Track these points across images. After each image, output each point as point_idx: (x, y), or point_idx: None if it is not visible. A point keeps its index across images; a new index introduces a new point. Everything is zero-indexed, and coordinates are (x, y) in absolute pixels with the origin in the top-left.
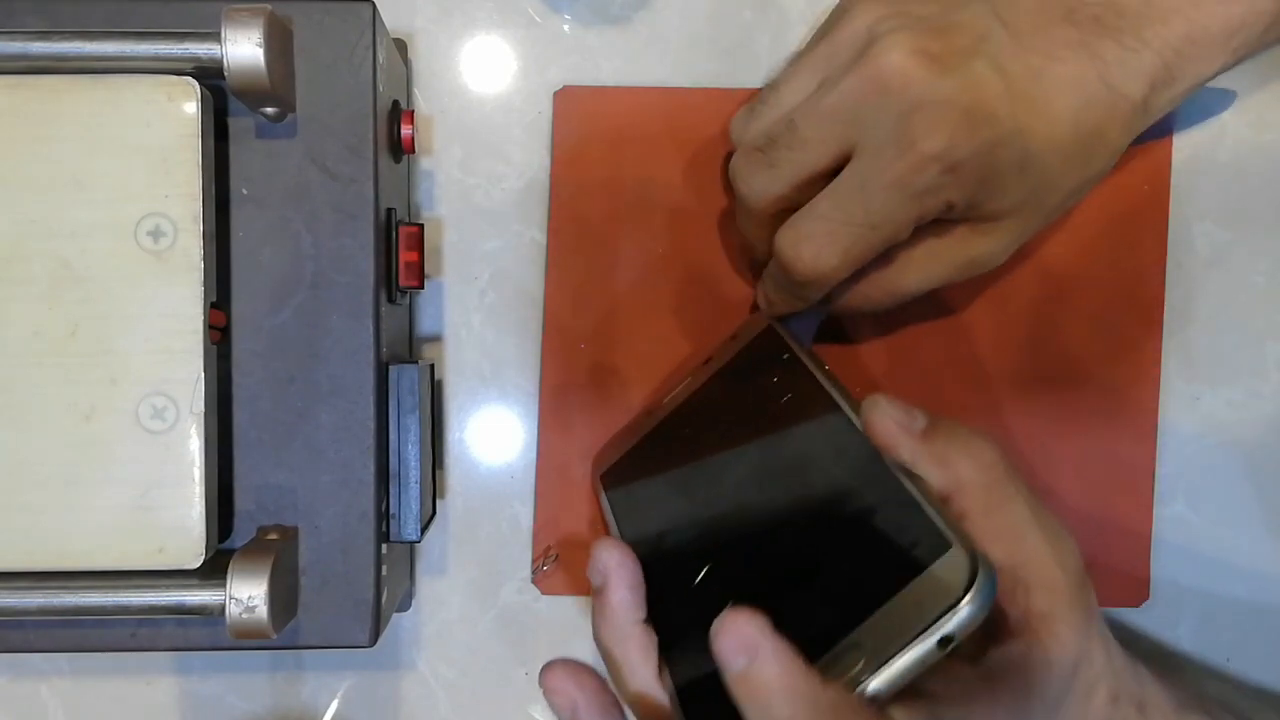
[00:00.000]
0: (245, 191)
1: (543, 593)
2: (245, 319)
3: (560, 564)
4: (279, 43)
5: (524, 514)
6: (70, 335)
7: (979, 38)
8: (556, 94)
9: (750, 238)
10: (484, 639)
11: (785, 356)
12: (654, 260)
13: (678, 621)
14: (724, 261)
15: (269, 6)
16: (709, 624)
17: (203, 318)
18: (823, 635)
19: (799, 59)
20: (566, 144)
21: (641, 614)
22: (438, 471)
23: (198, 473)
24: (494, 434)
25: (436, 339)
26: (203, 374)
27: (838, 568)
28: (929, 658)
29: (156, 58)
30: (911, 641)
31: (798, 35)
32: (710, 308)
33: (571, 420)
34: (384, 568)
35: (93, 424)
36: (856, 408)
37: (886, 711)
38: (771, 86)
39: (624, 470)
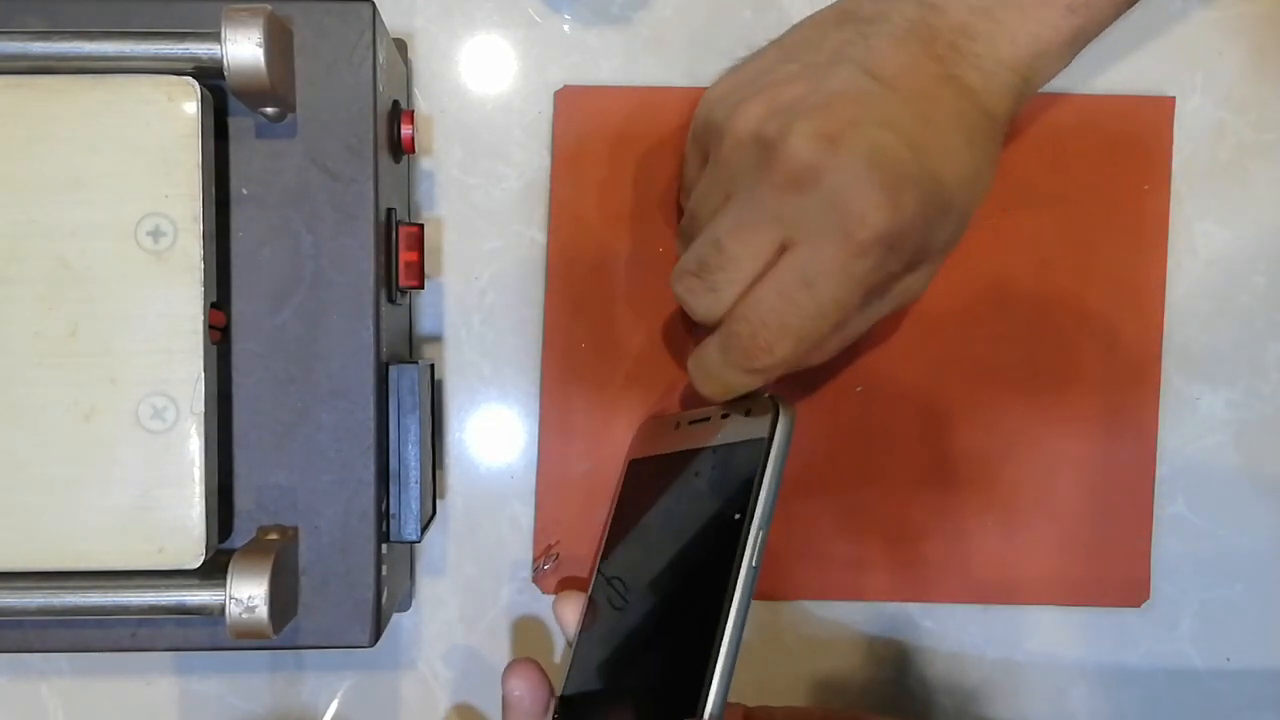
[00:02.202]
0: (245, 191)
1: (543, 593)
2: (245, 319)
3: (560, 564)
4: (279, 43)
5: (524, 514)
6: (70, 335)
7: (861, 103)
8: (557, 94)
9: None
10: (484, 639)
11: (737, 517)
12: (654, 260)
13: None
14: None
15: (269, 6)
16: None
17: (203, 318)
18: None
19: (701, 181)
20: (566, 144)
21: None
22: (438, 471)
23: (198, 473)
24: (494, 434)
25: (436, 339)
26: (203, 374)
27: (641, 688)
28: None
29: (156, 58)
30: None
31: None
32: None
33: (571, 420)
34: (384, 568)
35: (93, 424)
36: (752, 568)
37: None
38: (687, 214)
39: (643, 467)
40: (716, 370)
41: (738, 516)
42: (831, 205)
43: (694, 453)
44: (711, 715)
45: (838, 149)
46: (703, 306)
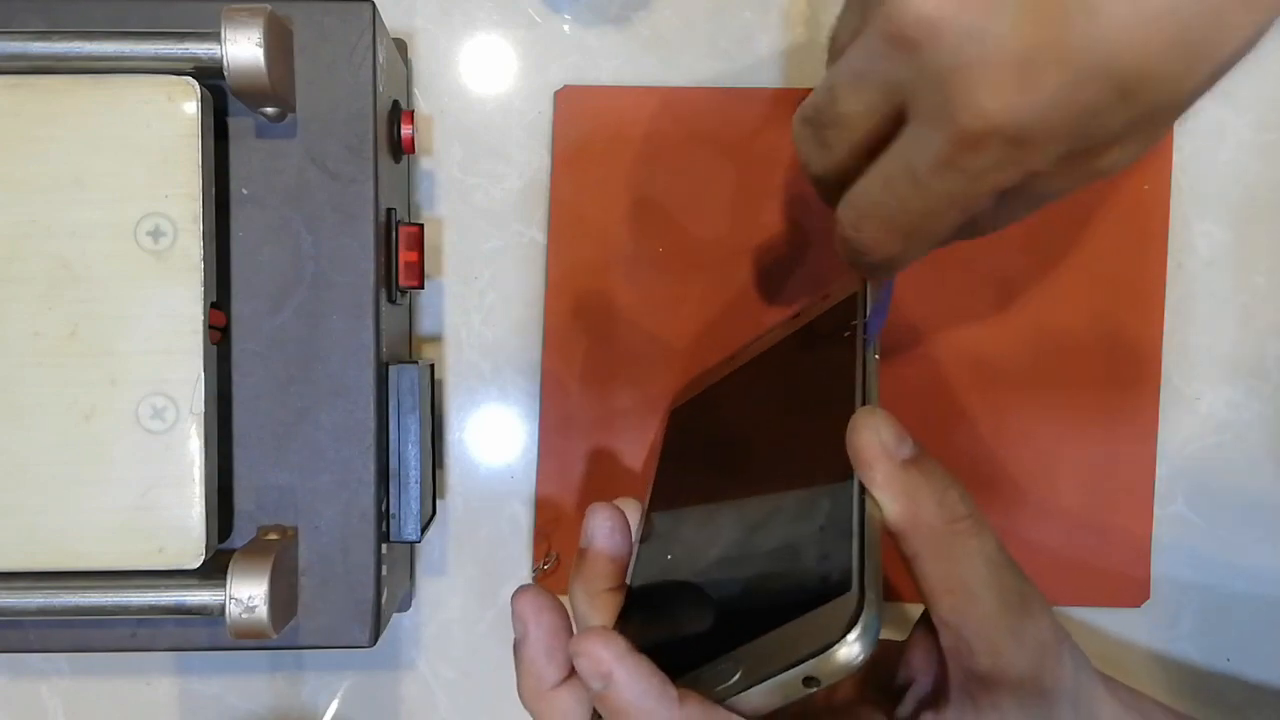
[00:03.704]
0: (245, 191)
1: None
2: (245, 319)
3: (560, 564)
4: (279, 43)
5: (524, 514)
6: (70, 335)
7: None
8: (557, 94)
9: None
10: (484, 639)
11: (846, 334)
12: (654, 260)
13: (652, 574)
14: (724, 261)
15: (269, 6)
16: (668, 594)
17: (203, 318)
18: (724, 642)
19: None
20: (566, 144)
21: (559, 674)
22: (438, 471)
23: (198, 473)
24: (494, 434)
25: (436, 339)
26: (203, 374)
27: (770, 578)
28: (790, 693)
29: (156, 58)
30: (776, 673)
31: (798, 35)
32: (710, 307)
33: (571, 420)
34: (384, 568)
35: (93, 424)
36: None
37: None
38: (830, 37)
39: (686, 413)
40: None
41: (846, 333)
42: (942, 77)
43: (769, 352)
44: (869, 587)
45: (968, 4)
46: (814, 161)
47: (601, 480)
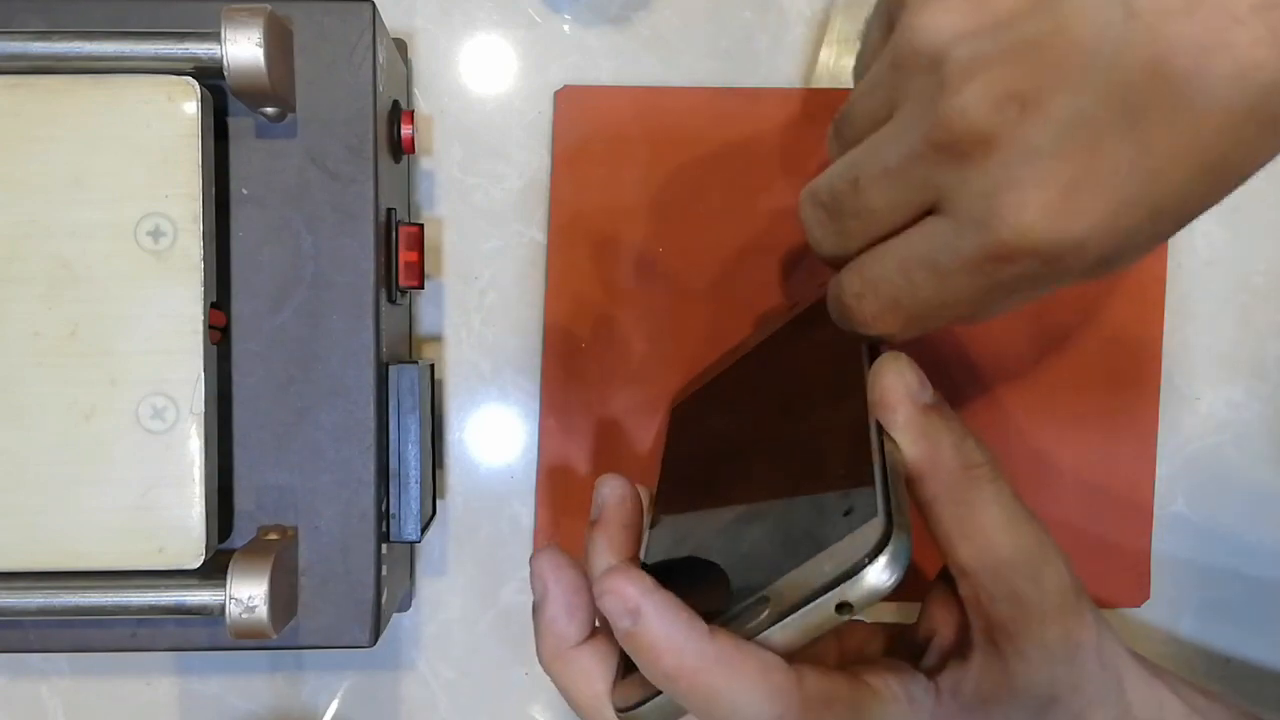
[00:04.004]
0: (245, 191)
1: None
2: (245, 319)
3: None
4: (279, 43)
5: (524, 514)
6: (70, 335)
7: (1089, 52)
8: (557, 94)
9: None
10: (484, 639)
11: None
12: (654, 260)
13: (669, 548)
14: (723, 261)
15: (269, 6)
16: (686, 564)
17: (203, 318)
18: (754, 579)
19: (874, 65)
20: (566, 144)
21: (581, 633)
22: (438, 471)
23: (198, 473)
24: (494, 434)
25: (436, 339)
26: (203, 374)
27: (789, 516)
28: (826, 621)
29: (156, 58)
30: (806, 602)
31: (798, 35)
32: (710, 307)
33: (571, 420)
34: (384, 568)
35: (93, 424)
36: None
37: (785, 662)
38: (848, 102)
39: (689, 406)
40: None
41: (830, 348)
42: (990, 189)
43: (771, 339)
44: (895, 511)
45: (1025, 117)
46: (825, 245)
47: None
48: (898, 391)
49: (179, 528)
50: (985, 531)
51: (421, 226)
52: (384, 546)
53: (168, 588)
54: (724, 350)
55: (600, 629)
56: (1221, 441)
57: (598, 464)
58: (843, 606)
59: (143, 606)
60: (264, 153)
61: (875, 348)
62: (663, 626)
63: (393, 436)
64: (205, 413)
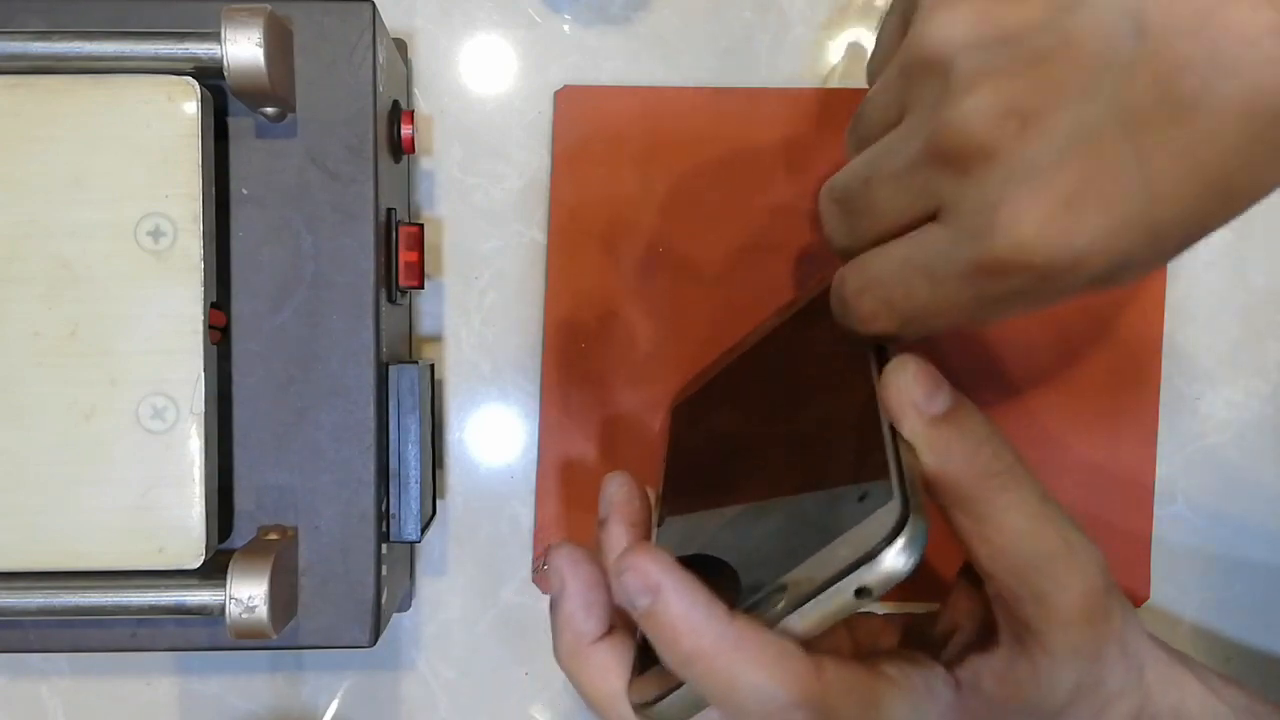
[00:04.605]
0: (245, 191)
1: (543, 592)
2: (245, 319)
3: None
4: (279, 43)
5: (524, 514)
6: (70, 335)
7: (1095, 69)
8: (557, 94)
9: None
10: (484, 639)
11: None
12: (654, 260)
13: (677, 545)
14: (724, 261)
15: (269, 6)
16: (697, 560)
17: (203, 318)
18: (766, 574)
19: (888, 67)
20: (566, 144)
21: (598, 629)
22: (438, 471)
23: (198, 473)
24: (494, 434)
25: (436, 339)
26: (203, 374)
27: (806, 512)
28: (845, 607)
29: (156, 58)
30: (825, 588)
31: (798, 35)
32: (710, 307)
33: (571, 420)
34: (384, 568)
35: (93, 424)
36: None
37: (803, 649)
38: (864, 101)
39: (690, 405)
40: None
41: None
42: (987, 202)
43: (772, 335)
44: (911, 495)
45: (1026, 131)
46: (838, 240)
47: (601, 480)
48: (903, 404)
49: (179, 528)
50: (1004, 536)
51: (421, 226)
52: (384, 546)
53: (168, 588)
54: (723, 350)
55: (616, 625)
56: (1221, 441)
57: (598, 464)
58: (861, 591)
59: (143, 606)
60: (264, 153)
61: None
62: (683, 606)
63: (393, 436)
64: (205, 413)
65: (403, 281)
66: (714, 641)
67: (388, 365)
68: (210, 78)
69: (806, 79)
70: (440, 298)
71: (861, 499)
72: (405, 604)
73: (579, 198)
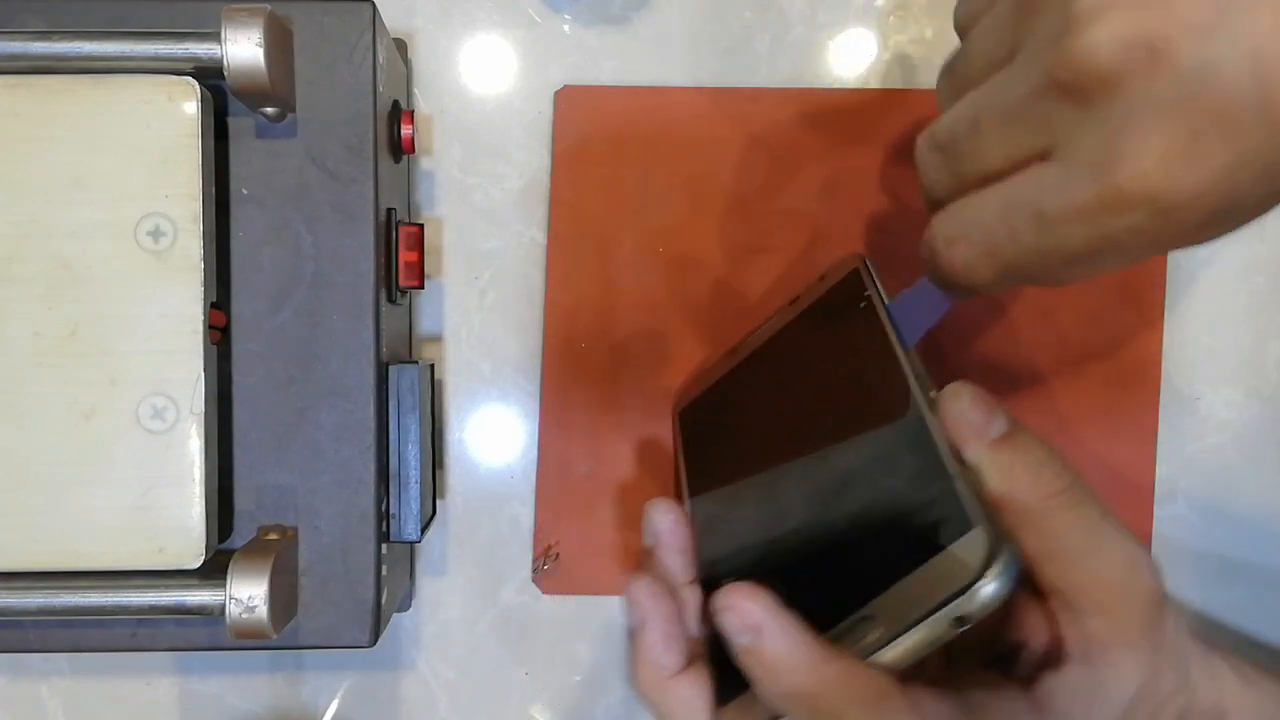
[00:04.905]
0: (245, 191)
1: (543, 592)
2: (245, 319)
3: (560, 564)
4: (279, 43)
5: (524, 514)
6: (70, 335)
7: (1225, 5)
8: (557, 94)
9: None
10: (484, 639)
11: (862, 305)
12: (654, 260)
13: (722, 561)
14: (724, 261)
15: (269, 6)
16: (744, 575)
17: (203, 318)
18: (843, 604)
19: (988, 11)
20: (566, 144)
21: (679, 663)
22: (438, 471)
23: (198, 473)
24: (494, 434)
25: (436, 339)
26: (203, 374)
27: (867, 536)
28: (941, 636)
29: (156, 58)
30: (923, 619)
31: (798, 35)
32: (710, 307)
33: (571, 420)
34: (384, 568)
35: (93, 424)
36: (921, 376)
37: (901, 684)
38: (965, 42)
39: (699, 409)
40: (932, 242)
41: (855, 351)
42: (1110, 133)
43: (781, 334)
44: (994, 523)
45: (1153, 63)
46: (938, 189)
47: (602, 480)
48: (964, 430)
49: (179, 528)
50: (1068, 556)
51: (421, 226)
52: (384, 546)
53: (168, 588)
54: (725, 350)
55: (695, 657)
56: (1221, 442)
57: (598, 464)
58: (959, 620)
59: (143, 606)
60: (264, 153)
61: (900, 333)
62: (785, 645)
63: (393, 436)
64: (205, 413)
65: (403, 281)
66: (817, 680)
67: (388, 365)
68: (210, 78)
69: (806, 79)
70: (440, 298)
71: (936, 524)
72: (405, 604)
73: (579, 198)
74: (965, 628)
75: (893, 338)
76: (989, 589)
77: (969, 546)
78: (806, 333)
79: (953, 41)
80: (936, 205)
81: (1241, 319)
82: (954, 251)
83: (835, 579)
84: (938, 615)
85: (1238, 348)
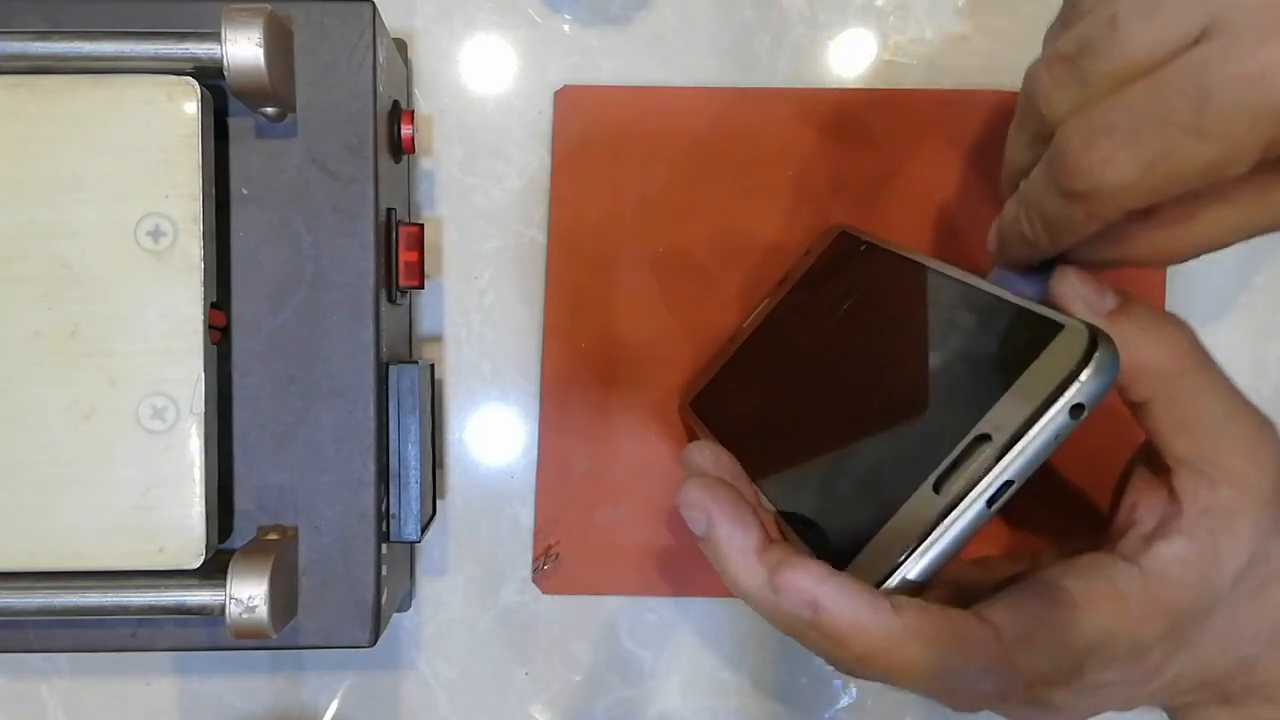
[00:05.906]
0: (245, 191)
1: (543, 592)
2: (245, 319)
3: (560, 564)
4: (279, 43)
5: (524, 514)
6: (70, 335)
7: None
8: (557, 94)
9: (1016, 157)
10: (484, 639)
11: (863, 249)
12: (654, 260)
13: (793, 496)
14: (724, 260)
15: (269, 6)
16: (822, 490)
17: (203, 318)
18: (948, 438)
19: None
20: (566, 144)
21: (762, 539)
22: (438, 471)
23: (198, 473)
24: (494, 434)
25: (436, 339)
26: (203, 374)
27: (947, 385)
28: (1062, 431)
29: (156, 58)
30: (1039, 415)
31: (798, 35)
32: (710, 306)
33: (571, 420)
34: (384, 568)
35: (93, 424)
36: (945, 265)
37: (967, 616)
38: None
39: (714, 393)
40: (1035, 192)
41: (874, 274)
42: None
43: (785, 302)
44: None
45: None
46: (1060, 101)
47: (602, 480)
48: (1078, 308)
49: (179, 528)
50: (1203, 423)
51: (421, 226)
52: (384, 546)
53: (168, 588)
54: (724, 341)
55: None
56: None
57: (598, 464)
58: (1076, 409)
59: (143, 606)
60: (264, 153)
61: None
62: (844, 611)
63: (393, 436)
64: (205, 413)
65: (403, 281)
66: (885, 638)
67: (388, 365)
68: (210, 78)
69: (806, 79)
70: (440, 298)
71: (1026, 342)
72: (405, 604)
73: (579, 198)
74: (1082, 419)
75: (910, 254)
76: (1098, 370)
77: (1066, 340)
78: (814, 290)
79: (953, 41)
80: (1055, 123)
81: (1241, 319)
82: (1093, 147)
83: (929, 430)
84: (1055, 406)
85: (1238, 348)
